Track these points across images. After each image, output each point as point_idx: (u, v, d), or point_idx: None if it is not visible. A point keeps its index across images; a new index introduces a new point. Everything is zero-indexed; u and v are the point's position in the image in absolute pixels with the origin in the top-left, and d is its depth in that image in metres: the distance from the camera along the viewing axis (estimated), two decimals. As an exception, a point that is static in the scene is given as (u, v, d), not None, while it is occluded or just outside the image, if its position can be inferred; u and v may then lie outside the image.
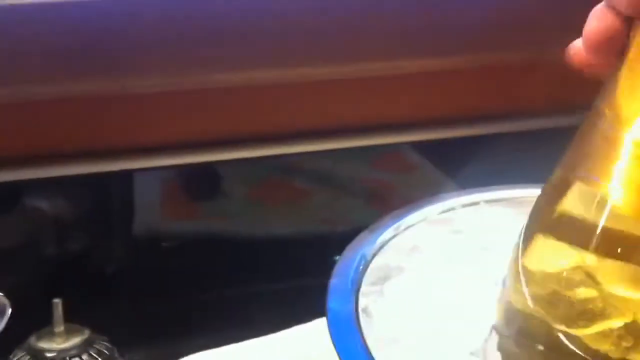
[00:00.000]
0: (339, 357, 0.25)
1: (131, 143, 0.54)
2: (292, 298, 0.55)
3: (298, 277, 0.60)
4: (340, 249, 0.32)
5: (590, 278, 0.24)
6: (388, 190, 0.72)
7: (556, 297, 0.25)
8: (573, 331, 0.24)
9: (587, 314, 0.24)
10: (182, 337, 0.52)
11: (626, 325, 0.24)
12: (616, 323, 0.24)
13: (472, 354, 0.28)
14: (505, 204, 0.35)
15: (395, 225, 0.33)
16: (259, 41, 0.54)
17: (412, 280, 0.31)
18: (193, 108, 0.54)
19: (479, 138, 0.63)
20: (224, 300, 0.58)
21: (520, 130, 0.63)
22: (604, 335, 0.24)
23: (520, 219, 0.28)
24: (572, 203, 0.25)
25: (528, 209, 0.28)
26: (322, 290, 0.29)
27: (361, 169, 0.71)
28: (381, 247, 0.32)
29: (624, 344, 0.23)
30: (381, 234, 0.33)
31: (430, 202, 0.35)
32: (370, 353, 0.26)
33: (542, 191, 0.27)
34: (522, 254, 0.27)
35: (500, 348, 0.27)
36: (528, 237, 0.27)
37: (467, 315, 0.29)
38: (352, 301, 0.28)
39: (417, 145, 0.73)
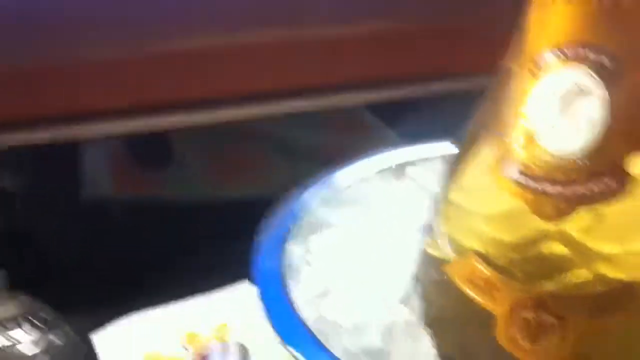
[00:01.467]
0: (266, 315, 0.25)
1: (78, 111, 0.53)
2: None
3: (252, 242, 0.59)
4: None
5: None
6: (344, 153, 0.72)
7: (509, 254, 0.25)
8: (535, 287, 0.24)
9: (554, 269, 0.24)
10: (130, 303, 0.52)
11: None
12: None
13: (401, 303, 0.28)
14: (435, 162, 0.35)
15: (327, 182, 0.33)
16: (208, 4, 0.52)
17: (341, 234, 0.31)
18: (143, 74, 0.53)
19: (434, 98, 0.63)
20: (176, 268, 0.57)
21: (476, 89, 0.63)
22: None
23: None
24: (480, 161, 0.25)
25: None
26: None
27: (317, 132, 0.71)
28: (312, 203, 0.32)
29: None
30: (312, 190, 0.32)
31: (363, 159, 0.34)
32: (295, 309, 0.25)
33: (457, 146, 0.27)
34: (442, 205, 0.27)
35: (422, 296, 0.27)
36: (446, 191, 0.27)
37: (396, 266, 0.29)
38: (278, 258, 0.28)
39: (373, 107, 0.73)
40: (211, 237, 0.59)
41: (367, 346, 0.26)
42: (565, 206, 0.23)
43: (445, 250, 0.26)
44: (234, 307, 0.50)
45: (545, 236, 0.24)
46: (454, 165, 0.27)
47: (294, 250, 0.29)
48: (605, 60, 0.23)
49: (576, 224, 0.23)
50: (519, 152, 0.24)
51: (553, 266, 0.24)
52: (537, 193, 0.23)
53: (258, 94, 0.58)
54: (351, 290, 0.28)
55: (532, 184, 0.24)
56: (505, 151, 0.24)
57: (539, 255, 0.24)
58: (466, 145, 0.27)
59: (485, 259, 0.25)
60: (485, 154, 0.25)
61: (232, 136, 0.69)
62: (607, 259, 0.24)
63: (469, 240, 0.25)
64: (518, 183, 0.24)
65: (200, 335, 0.49)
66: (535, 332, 0.24)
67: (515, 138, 0.24)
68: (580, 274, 0.24)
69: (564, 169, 0.23)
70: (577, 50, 0.23)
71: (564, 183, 0.23)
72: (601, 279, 0.24)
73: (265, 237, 0.29)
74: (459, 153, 0.27)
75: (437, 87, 0.63)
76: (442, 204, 0.27)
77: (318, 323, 0.27)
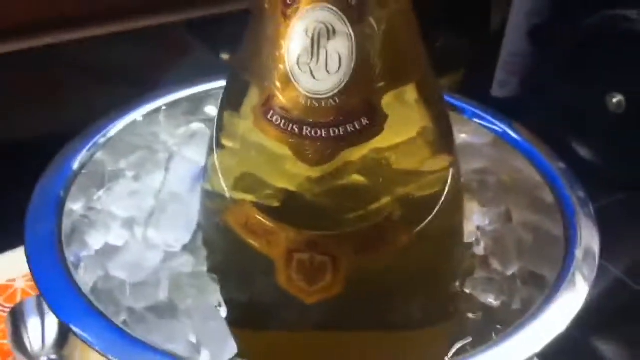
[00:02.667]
0: (38, 287, 0.24)
1: None
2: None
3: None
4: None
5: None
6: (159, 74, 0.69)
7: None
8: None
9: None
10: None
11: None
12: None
13: (187, 252, 0.27)
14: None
15: (110, 125, 0.31)
16: None
17: (125, 184, 0.30)
18: None
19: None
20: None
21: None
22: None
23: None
24: (245, 104, 0.25)
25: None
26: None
27: (128, 55, 0.67)
28: (92, 152, 0.30)
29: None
30: (92, 137, 0.30)
31: (136, 105, 0.33)
32: (70, 277, 0.24)
33: (227, 84, 0.27)
34: (215, 148, 0.26)
35: (205, 243, 0.27)
36: (218, 133, 0.26)
37: (184, 215, 0.28)
38: (53, 222, 0.26)
39: (187, 25, 0.70)
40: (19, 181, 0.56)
41: (152, 303, 0.26)
42: (327, 150, 0.23)
43: (221, 196, 0.26)
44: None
45: (312, 179, 0.24)
46: (224, 105, 0.26)
47: (74, 210, 0.28)
48: None
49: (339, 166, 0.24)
50: (279, 95, 0.24)
51: (319, 207, 0.24)
52: (299, 138, 0.23)
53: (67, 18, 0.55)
54: (136, 244, 0.28)
55: (293, 128, 0.23)
56: (266, 94, 0.24)
57: (306, 197, 0.24)
58: (232, 85, 0.26)
59: (258, 204, 0.25)
60: (249, 97, 0.25)
61: (31, 63, 0.64)
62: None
63: (242, 185, 0.25)
64: (280, 127, 0.24)
65: (13, 287, 0.47)
66: (310, 272, 0.24)
67: (274, 81, 0.24)
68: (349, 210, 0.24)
69: (321, 111, 0.23)
70: None
71: (322, 125, 0.23)
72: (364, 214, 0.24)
73: (38, 199, 0.27)
74: (227, 92, 0.27)
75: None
76: (216, 146, 0.26)
77: (104, 284, 0.26)
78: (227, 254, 0.27)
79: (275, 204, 0.24)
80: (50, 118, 0.63)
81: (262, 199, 0.25)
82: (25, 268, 0.47)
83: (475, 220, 0.30)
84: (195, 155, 0.30)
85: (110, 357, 0.22)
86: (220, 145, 0.26)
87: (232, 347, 0.25)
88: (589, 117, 0.57)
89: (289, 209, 0.24)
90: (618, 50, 0.53)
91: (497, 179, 0.33)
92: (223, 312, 0.26)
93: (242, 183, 0.25)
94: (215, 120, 0.27)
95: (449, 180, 0.26)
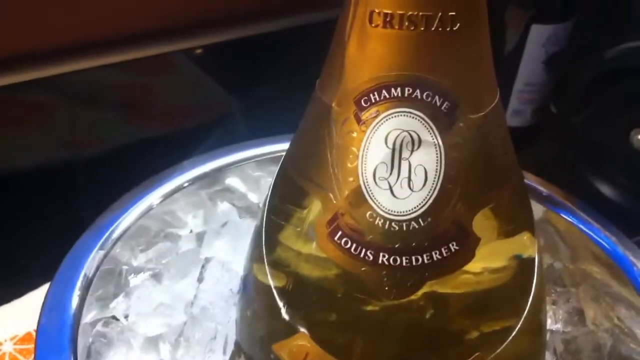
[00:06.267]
0: None
1: None
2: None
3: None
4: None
5: None
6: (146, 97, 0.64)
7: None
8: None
9: None
10: None
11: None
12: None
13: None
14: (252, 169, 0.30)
15: (128, 212, 0.27)
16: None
17: (146, 289, 0.25)
18: None
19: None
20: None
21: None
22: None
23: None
24: (304, 220, 0.21)
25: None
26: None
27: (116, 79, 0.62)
28: (106, 253, 0.26)
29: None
30: (99, 238, 0.26)
31: (150, 187, 0.28)
32: None
33: (274, 187, 0.22)
34: (267, 262, 0.22)
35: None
36: (264, 250, 0.22)
37: (216, 329, 0.24)
38: (69, 347, 0.22)
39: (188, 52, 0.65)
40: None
41: None
42: (408, 282, 0.20)
43: (272, 322, 0.22)
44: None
45: (388, 314, 0.20)
46: (274, 211, 0.22)
47: (88, 330, 0.23)
48: (438, 101, 0.19)
49: (422, 299, 0.20)
50: (349, 213, 0.20)
51: (396, 345, 0.20)
52: (374, 266, 0.19)
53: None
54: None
55: (366, 254, 0.19)
56: (332, 211, 0.20)
57: (379, 334, 0.20)
58: (284, 188, 0.22)
59: (322, 338, 0.21)
60: (307, 208, 0.21)
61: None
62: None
63: (301, 313, 0.21)
64: (350, 252, 0.20)
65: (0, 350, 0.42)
66: None
67: (343, 196, 0.20)
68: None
69: (401, 235, 0.19)
70: (405, 89, 0.19)
71: (403, 252, 0.19)
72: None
73: (47, 320, 0.23)
74: (276, 195, 0.22)
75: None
76: (267, 261, 0.22)
77: None
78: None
79: (342, 339, 0.21)
80: (35, 149, 0.58)
81: (326, 333, 0.21)
82: (13, 329, 0.43)
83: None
84: (227, 252, 0.26)
85: None
86: (271, 261, 0.22)
87: None
88: (612, 154, 0.54)
89: (358, 346, 0.21)
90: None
91: (562, 265, 0.29)
92: None
93: (300, 310, 0.21)
94: (263, 226, 0.22)
95: (538, 304, 0.22)
